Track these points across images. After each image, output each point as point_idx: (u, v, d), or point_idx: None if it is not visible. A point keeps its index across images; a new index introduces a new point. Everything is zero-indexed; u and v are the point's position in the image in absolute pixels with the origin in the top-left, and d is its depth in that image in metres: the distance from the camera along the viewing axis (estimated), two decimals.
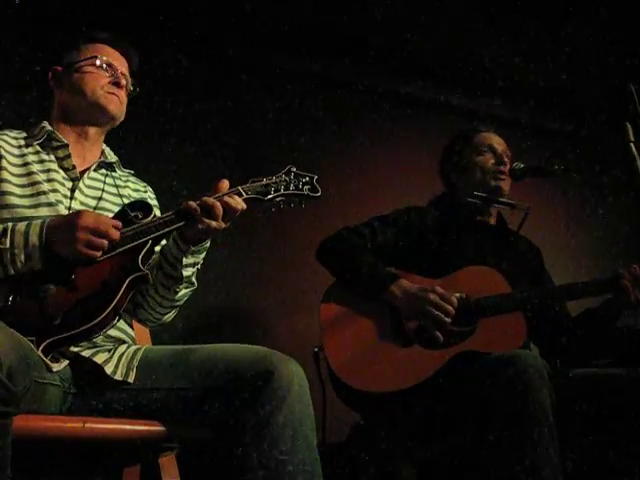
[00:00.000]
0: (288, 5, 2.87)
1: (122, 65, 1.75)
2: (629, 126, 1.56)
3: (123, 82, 1.71)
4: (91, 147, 1.72)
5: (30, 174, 1.57)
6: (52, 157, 1.64)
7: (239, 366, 1.41)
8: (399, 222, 2.11)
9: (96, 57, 1.69)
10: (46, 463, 1.54)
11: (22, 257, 1.38)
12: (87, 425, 1.35)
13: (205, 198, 1.49)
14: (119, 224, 1.45)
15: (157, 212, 1.66)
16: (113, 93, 1.69)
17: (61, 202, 1.56)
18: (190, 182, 2.48)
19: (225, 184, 1.54)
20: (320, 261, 2.07)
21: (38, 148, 1.64)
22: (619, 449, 1.69)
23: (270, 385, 1.35)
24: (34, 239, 1.38)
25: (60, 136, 1.65)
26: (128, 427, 1.41)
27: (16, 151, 1.61)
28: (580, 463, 1.75)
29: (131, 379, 1.45)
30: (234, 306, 2.77)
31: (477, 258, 2.03)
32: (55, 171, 1.61)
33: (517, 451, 1.54)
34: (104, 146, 1.77)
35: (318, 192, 1.62)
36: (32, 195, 1.54)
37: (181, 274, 1.57)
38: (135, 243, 1.46)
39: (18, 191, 1.54)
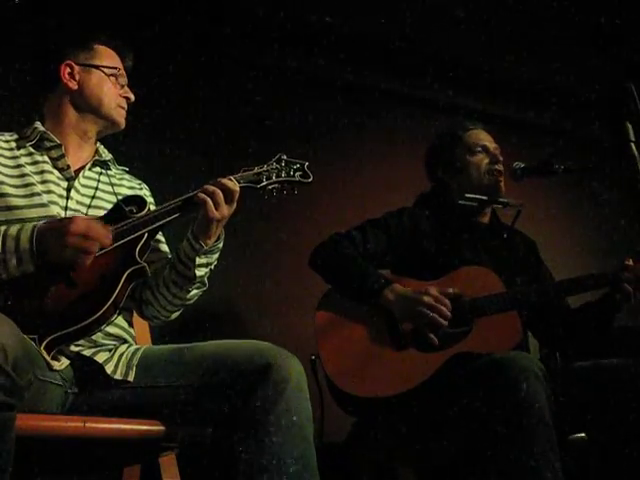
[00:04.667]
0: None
1: (126, 75, 1.77)
2: (629, 126, 1.56)
3: (133, 98, 1.74)
4: (86, 146, 1.72)
5: (24, 176, 1.56)
6: (46, 158, 1.63)
7: (238, 360, 1.41)
8: (391, 225, 2.09)
9: (117, 68, 1.72)
10: (46, 463, 1.53)
11: (14, 261, 1.37)
12: (87, 425, 1.35)
13: (204, 187, 1.53)
14: (109, 230, 1.45)
15: (153, 208, 1.65)
16: (124, 108, 1.73)
17: (57, 202, 1.56)
18: (180, 179, 2.47)
19: None
20: (313, 268, 2.05)
21: (31, 149, 1.63)
22: (619, 448, 1.69)
23: (269, 377, 1.36)
24: (25, 243, 1.38)
25: (53, 136, 1.64)
26: (128, 427, 1.41)
27: (8, 153, 1.60)
28: (580, 463, 1.75)
29: (131, 378, 1.46)
30: (232, 310, 2.77)
31: (472, 259, 2.02)
32: (49, 172, 1.60)
33: (515, 453, 1.54)
34: (98, 144, 1.77)
35: (310, 178, 1.64)
36: (27, 196, 1.53)
37: (194, 274, 1.58)
38: (131, 237, 1.48)
39: (13, 192, 1.53)
